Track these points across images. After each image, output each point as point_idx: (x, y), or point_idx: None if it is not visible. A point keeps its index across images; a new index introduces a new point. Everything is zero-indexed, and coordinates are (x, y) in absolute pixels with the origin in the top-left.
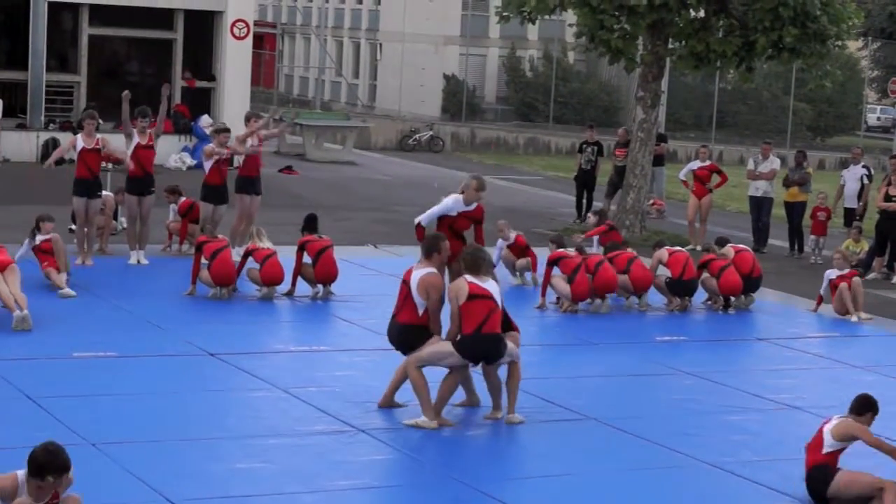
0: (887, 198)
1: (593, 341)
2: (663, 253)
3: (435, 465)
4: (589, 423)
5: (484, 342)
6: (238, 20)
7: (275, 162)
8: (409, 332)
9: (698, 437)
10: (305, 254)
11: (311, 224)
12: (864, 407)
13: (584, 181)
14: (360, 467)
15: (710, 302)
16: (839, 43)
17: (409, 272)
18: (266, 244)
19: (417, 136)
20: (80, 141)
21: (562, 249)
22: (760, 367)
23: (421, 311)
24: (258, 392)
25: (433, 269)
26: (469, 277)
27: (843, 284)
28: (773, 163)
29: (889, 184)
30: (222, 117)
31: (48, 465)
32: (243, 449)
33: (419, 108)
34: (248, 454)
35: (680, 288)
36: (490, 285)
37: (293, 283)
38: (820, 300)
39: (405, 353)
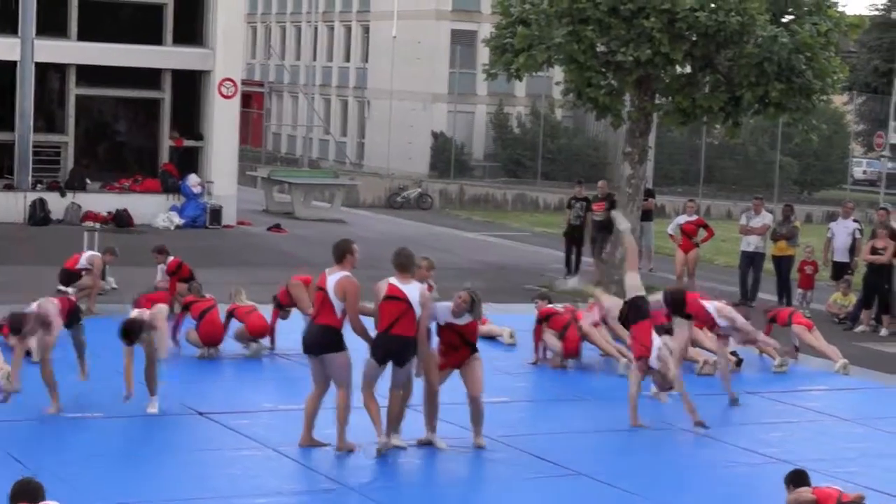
0: (874, 251)
1: (585, 397)
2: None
3: None
4: (581, 479)
5: (391, 342)
6: (226, 79)
7: (263, 220)
8: (326, 334)
9: (689, 491)
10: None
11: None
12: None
13: (573, 237)
14: None
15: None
16: (824, 97)
17: (323, 278)
18: (246, 302)
19: (406, 193)
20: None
21: (550, 306)
22: (751, 421)
23: (339, 313)
24: (246, 451)
25: (347, 273)
26: (392, 279)
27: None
28: (765, 217)
29: (875, 237)
30: (210, 176)
31: (21, 493)
32: None
33: (407, 165)
34: None
35: None
36: (410, 289)
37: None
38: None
39: (317, 353)
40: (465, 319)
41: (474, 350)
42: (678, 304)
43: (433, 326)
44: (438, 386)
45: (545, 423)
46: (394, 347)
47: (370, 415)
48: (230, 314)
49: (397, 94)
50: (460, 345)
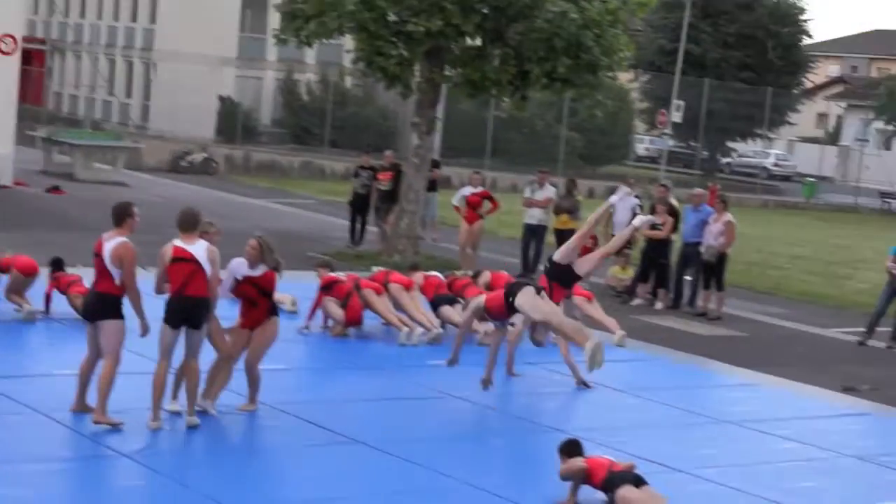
0: (652, 226)
1: (364, 366)
2: (419, 276)
3: (197, 490)
4: (357, 446)
5: (185, 303)
6: (5, 35)
7: (41, 181)
8: (102, 300)
9: (465, 460)
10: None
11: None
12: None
13: (359, 206)
14: (121, 493)
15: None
16: (610, 74)
17: (99, 244)
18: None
19: (191, 157)
20: None
21: (333, 274)
22: (527, 391)
23: (118, 281)
24: (16, 416)
25: (124, 238)
26: (177, 241)
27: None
28: (549, 191)
29: (654, 212)
30: None
31: None
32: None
33: (193, 129)
34: (6, 481)
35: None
36: (196, 248)
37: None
38: None
39: (91, 320)
40: (260, 270)
41: (274, 312)
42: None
43: (229, 284)
44: (236, 354)
45: (323, 391)
46: (189, 309)
47: (155, 387)
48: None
49: (185, 56)
50: (258, 297)
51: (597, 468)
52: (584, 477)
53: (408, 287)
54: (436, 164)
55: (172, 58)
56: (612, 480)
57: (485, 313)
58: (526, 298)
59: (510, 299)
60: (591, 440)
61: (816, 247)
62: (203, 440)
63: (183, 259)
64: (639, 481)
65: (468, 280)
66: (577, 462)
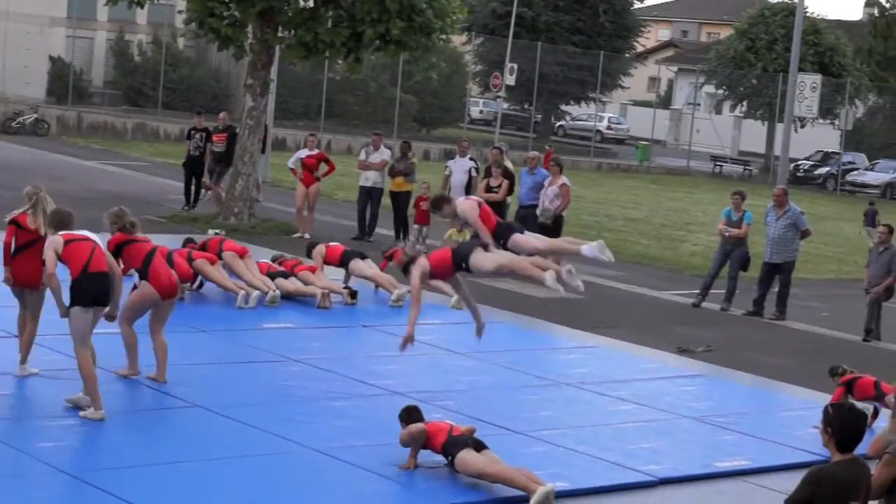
0: (488, 189)
1: (200, 328)
2: (321, 248)
3: (39, 457)
4: (196, 410)
5: (94, 280)
6: None
7: None
8: None
9: (306, 424)
10: None
11: None
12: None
13: (193, 167)
14: None
15: None
16: (444, 37)
17: None
18: None
19: (21, 118)
20: None
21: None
22: (365, 354)
23: None
24: None
25: None
26: (58, 234)
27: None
28: (384, 153)
29: (489, 175)
30: None
31: None
32: None
33: (23, 89)
34: None
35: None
36: (83, 232)
37: None
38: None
39: None
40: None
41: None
42: None
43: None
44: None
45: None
46: (101, 285)
47: (85, 377)
48: None
49: (13, 15)
50: None
51: (437, 432)
52: (423, 441)
53: (241, 254)
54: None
55: (0, 17)
56: (453, 444)
57: (430, 274)
58: (476, 257)
59: (463, 264)
60: (429, 402)
61: (650, 210)
62: (41, 404)
63: (78, 240)
64: (479, 445)
65: (297, 261)
66: (418, 426)
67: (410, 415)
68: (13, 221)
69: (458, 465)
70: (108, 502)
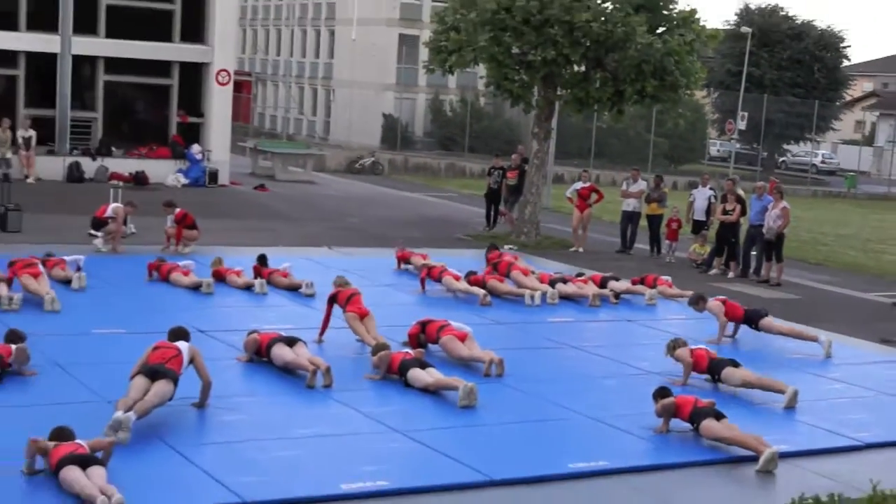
0: (724, 212)
1: (499, 321)
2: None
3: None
4: (495, 384)
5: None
6: (221, 70)
7: (250, 181)
8: None
9: (583, 396)
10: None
11: (262, 260)
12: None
13: (492, 197)
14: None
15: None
16: (688, 92)
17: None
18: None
19: (362, 161)
20: None
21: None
22: (629, 342)
23: None
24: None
25: None
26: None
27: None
28: (641, 184)
29: (725, 200)
30: (209, 145)
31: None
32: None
33: (364, 139)
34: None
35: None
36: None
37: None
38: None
39: None
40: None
41: None
42: None
43: None
44: None
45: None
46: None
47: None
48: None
49: (356, 84)
50: None
51: (684, 404)
52: (673, 412)
53: (525, 273)
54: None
55: (347, 85)
56: (698, 414)
57: None
58: None
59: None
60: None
61: (856, 228)
62: None
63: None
64: (719, 415)
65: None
66: (669, 400)
67: (662, 392)
68: None
69: (703, 430)
70: (441, 461)
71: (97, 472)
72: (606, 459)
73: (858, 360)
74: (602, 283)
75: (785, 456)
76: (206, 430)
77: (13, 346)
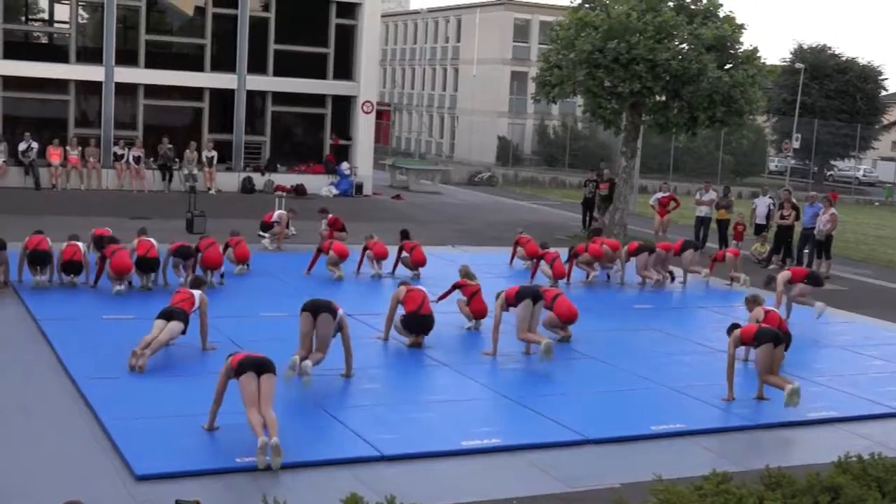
0: (781, 217)
1: (592, 308)
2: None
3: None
4: (586, 360)
5: (419, 318)
6: (366, 101)
7: (389, 192)
8: None
9: (661, 370)
10: (405, 252)
11: (405, 234)
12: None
13: (587, 205)
14: None
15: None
16: (751, 117)
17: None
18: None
19: (481, 175)
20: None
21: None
22: (700, 326)
23: None
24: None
25: None
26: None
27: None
28: (711, 194)
29: (782, 207)
30: (356, 163)
31: None
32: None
33: (482, 157)
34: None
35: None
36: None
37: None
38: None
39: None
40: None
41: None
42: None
43: None
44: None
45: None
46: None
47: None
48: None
49: (476, 111)
50: None
51: (772, 319)
52: (741, 340)
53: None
54: (612, 181)
55: (468, 113)
56: (759, 336)
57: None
58: None
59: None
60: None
61: (893, 230)
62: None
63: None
64: (777, 340)
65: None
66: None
67: (734, 326)
68: None
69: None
70: (544, 423)
71: (268, 383)
72: (682, 422)
73: (894, 340)
74: (682, 248)
75: (830, 421)
76: (351, 396)
77: (195, 292)
